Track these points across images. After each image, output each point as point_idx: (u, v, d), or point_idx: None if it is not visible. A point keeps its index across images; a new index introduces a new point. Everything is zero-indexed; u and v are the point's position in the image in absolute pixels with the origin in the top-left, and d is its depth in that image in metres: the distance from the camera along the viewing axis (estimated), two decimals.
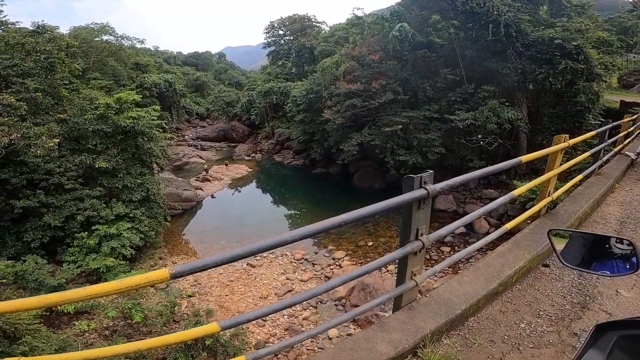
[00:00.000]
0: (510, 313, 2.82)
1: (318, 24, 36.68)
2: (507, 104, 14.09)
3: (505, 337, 2.56)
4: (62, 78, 14.58)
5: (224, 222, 16.73)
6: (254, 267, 12.31)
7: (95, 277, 10.52)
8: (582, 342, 0.87)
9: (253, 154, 29.11)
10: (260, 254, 12.63)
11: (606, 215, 4.98)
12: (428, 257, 11.25)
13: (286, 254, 13.02)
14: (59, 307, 6.95)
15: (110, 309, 7.43)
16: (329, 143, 18.91)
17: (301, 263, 12.54)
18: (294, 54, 35.60)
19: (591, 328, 0.89)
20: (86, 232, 11.07)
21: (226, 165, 24.46)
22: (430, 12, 16.30)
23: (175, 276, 1.30)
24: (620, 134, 8.01)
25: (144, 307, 7.94)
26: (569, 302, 2.99)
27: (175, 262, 12.75)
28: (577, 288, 3.18)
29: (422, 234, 2.21)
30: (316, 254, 13.03)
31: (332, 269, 12.09)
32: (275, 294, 10.77)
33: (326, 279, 11.47)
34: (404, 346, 2.18)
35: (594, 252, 0.98)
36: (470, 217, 2.78)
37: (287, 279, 11.68)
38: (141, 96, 14.69)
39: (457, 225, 2.63)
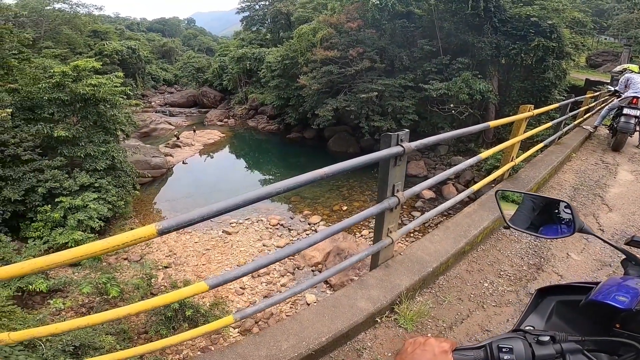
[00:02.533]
0: (475, 272, 3.01)
1: None
2: (479, 76, 14.37)
3: (472, 295, 2.73)
4: (11, 48, 13.60)
5: (197, 189, 16.43)
6: (230, 234, 12.24)
7: None
8: (526, 305, 0.88)
9: (225, 120, 28.22)
10: (236, 221, 12.74)
11: (562, 182, 5.42)
12: (400, 222, 11.77)
13: (262, 220, 13.06)
14: (31, 286, 6.68)
15: (85, 285, 7.18)
16: (305, 108, 18.68)
17: (277, 229, 12.64)
18: (269, 20, 33.88)
19: (534, 292, 0.91)
20: (49, 205, 10.44)
21: (194, 131, 23.56)
22: None
23: (162, 232, 1.29)
24: (581, 109, 8.69)
25: (119, 281, 7.73)
26: (526, 264, 3.22)
27: None
28: (533, 250, 3.44)
29: (398, 190, 2.28)
30: (292, 219, 13.18)
31: (308, 234, 12.34)
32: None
33: None
34: (382, 302, 2.28)
35: (542, 216, 0.99)
36: (441, 175, 2.92)
37: (264, 245, 11.72)
38: (101, 63, 13.59)
39: (430, 183, 2.76)
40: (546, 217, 0.99)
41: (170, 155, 19.54)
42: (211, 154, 21.58)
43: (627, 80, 6.97)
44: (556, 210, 0.97)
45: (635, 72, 7.24)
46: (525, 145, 7.13)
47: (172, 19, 65.71)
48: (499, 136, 14.70)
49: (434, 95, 14.31)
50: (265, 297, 9.35)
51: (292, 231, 12.46)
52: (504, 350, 0.61)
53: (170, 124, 26.97)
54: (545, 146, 6.26)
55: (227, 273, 1.72)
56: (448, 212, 9.55)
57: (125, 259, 10.63)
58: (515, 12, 14.01)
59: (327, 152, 19.28)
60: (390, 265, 2.62)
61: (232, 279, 1.74)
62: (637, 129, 6.92)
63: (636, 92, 6.78)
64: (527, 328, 0.77)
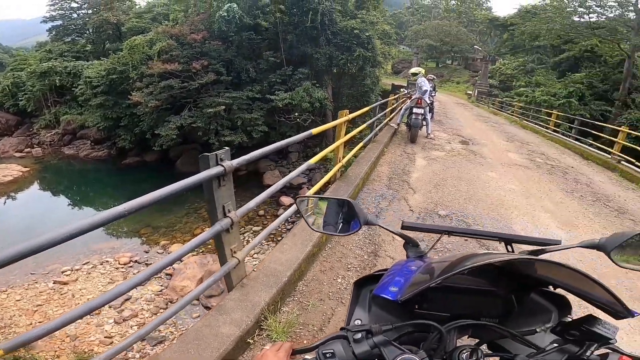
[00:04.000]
0: (328, 271, 3.14)
1: None
2: (317, 85, 15.92)
3: (330, 293, 2.83)
4: None
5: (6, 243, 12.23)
6: (65, 284, 9.59)
7: None
8: (349, 301, 0.91)
9: (28, 149, 22.17)
10: (70, 268, 10.27)
11: (380, 173, 6.27)
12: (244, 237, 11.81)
13: (107, 261, 10.75)
14: None
15: None
16: (142, 128, 16.49)
17: (131, 267, 10.62)
18: (90, 30, 28.66)
19: (352, 285, 0.93)
20: None
21: None
22: None
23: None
24: (387, 109, 10.58)
25: None
26: (366, 253, 3.48)
27: None
28: (368, 239, 3.73)
29: (229, 211, 2.22)
30: (147, 253, 11.29)
31: (172, 266, 10.88)
32: (110, 306, 8.91)
33: (167, 276, 10.25)
34: (247, 323, 2.18)
35: (340, 214, 1.01)
36: (272, 189, 2.87)
37: None
38: None
39: (263, 197, 2.72)
40: (341, 215, 1.00)
41: None
42: (12, 195, 16.53)
43: (417, 83, 8.93)
44: (346, 208, 0.98)
45: (422, 76, 9.14)
46: (353, 145, 7.59)
47: None
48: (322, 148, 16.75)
49: (280, 105, 15.05)
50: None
51: (150, 265, 10.74)
52: (327, 355, 0.64)
53: None
54: (365, 145, 7.05)
55: (24, 334, 1.33)
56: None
57: None
58: (343, 24, 16.07)
59: (176, 174, 17.54)
60: (246, 284, 2.53)
61: (35, 339, 1.36)
62: (423, 123, 9.04)
63: (420, 94, 8.63)
64: (356, 322, 0.81)
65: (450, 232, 1.01)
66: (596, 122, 13.85)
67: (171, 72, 14.51)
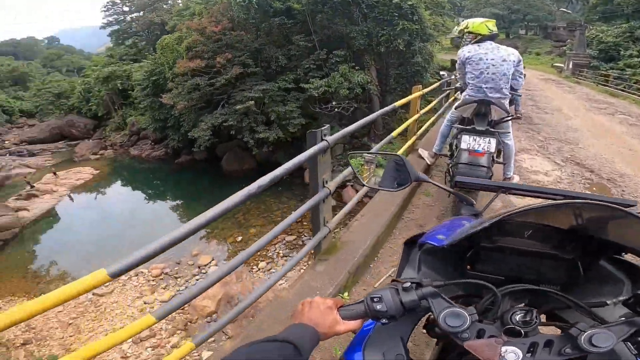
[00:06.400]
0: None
1: None
2: (357, 68, 13.92)
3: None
4: None
5: (66, 245, 13.22)
6: (101, 296, 9.96)
7: None
8: (399, 259, 0.90)
9: (102, 151, 24.10)
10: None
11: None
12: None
13: (142, 272, 10.86)
14: None
15: None
16: (185, 129, 16.36)
17: (161, 279, 10.55)
18: (143, 32, 30.07)
19: (402, 245, 0.92)
20: None
21: (54, 173, 19.39)
22: None
23: (115, 275, 1.25)
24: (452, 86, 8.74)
25: None
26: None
27: (0, 307, 9.83)
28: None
29: (326, 182, 2.42)
30: (178, 264, 11.13)
31: (197, 280, 10.49)
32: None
33: None
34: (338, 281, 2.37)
35: (391, 170, 1.04)
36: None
37: (145, 303, 9.67)
38: None
39: (350, 170, 2.85)
40: (395, 171, 1.03)
41: (25, 209, 15.54)
42: (85, 196, 17.99)
43: (466, 58, 3.18)
44: (399, 166, 1.02)
45: (483, 33, 3.15)
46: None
47: (26, 39, 56.00)
48: (387, 127, 14.59)
49: (316, 94, 13.46)
50: None
51: (178, 279, 10.48)
52: (375, 300, 0.65)
53: (29, 166, 21.98)
54: (432, 123, 6.96)
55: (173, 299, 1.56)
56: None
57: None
58: None
59: (223, 172, 17.39)
60: (330, 255, 2.66)
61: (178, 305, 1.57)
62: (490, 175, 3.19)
63: (479, 89, 3.12)
64: (403, 279, 0.77)
65: (507, 189, 0.99)
66: None
67: (195, 70, 13.78)
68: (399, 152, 3.88)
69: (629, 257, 0.67)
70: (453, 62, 20.11)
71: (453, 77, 6.49)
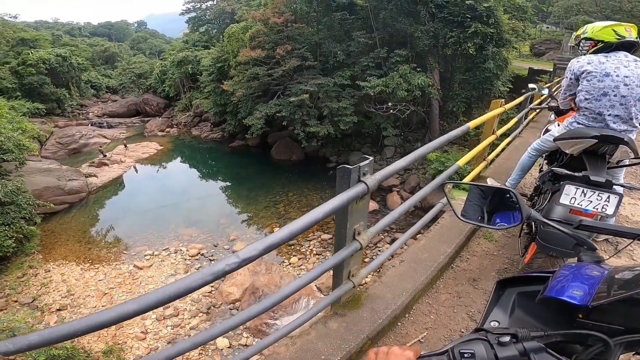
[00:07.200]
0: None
1: None
2: (418, 69, 13.19)
3: None
4: None
5: (124, 212, 14.46)
6: (141, 269, 10.59)
7: None
8: (487, 300, 0.85)
9: (168, 129, 26.06)
10: (151, 253, 11.29)
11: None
12: None
13: (180, 249, 11.42)
14: None
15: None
16: (241, 115, 16.95)
17: (197, 259, 10.99)
18: (216, 20, 31.86)
19: (494, 284, 0.87)
20: None
21: (125, 145, 21.30)
22: None
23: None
24: (534, 102, 7.67)
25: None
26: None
27: (50, 270, 10.66)
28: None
29: (359, 233, 1.96)
30: (215, 247, 11.52)
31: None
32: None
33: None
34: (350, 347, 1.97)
35: (493, 205, 0.97)
36: (403, 208, 2.35)
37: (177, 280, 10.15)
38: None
39: (393, 217, 2.29)
40: (495, 206, 0.98)
41: (94, 176, 17.31)
42: (146, 169, 19.53)
43: (583, 71, 2.27)
44: (503, 199, 0.96)
45: (607, 40, 2.27)
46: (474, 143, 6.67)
47: (119, 23, 62.40)
48: (445, 134, 13.66)
49: (371, 94, 13.02)
50: (169, 343, 7.90)
51: (212, 262, 10.86)
52: (465, 355, 0.59)
53: (105, 137, 24.52)
54: (508, 143, 5.75)
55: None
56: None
57: (15, 301, 9.26)
58: None
59: (271, 161, 17.81)
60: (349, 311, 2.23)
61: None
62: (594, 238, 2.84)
63: (598, 117, 2.25)
64: (492, 324, 0.78)
65: None
66: None
67: (256, 59, 14.07)
68: (467, 180, 3.49)
69: None
70: (532, 71, 18.13)
71: (545, 91, 4.16)
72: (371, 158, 1.77)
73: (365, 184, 1.70)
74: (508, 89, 14.14)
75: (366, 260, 9.36)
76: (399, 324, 2.28)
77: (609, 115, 2.18)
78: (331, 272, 2.11)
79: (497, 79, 13.54)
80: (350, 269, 2.11)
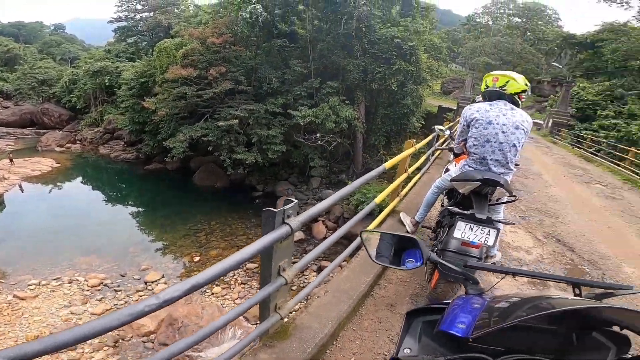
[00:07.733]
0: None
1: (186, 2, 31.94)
2: (347, 102, 13.95)
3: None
4: None
5: (1, 237, 11.91)
6: (23, 299, 8.88)
7: None
8: (400, 329, 0.94)
9: (69, 144, 23.01)
10: (38, 282, 9.53)
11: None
12: None
13: (77, 279, 9.81)
14: None
15: None
16: (162, 136, 15.75)
17: (98, 290, 9.48)
18: (148, 33, 30.05)
19: (404, 315, 0.97)
20: None
21: (10, 160, 18.09)
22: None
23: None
24: (441, 140, 8.19)
25: None
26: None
27: None
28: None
29: (284, 270, 2.04)
30: (123, 276, 10.09)
31: (141, 297, 9.47)
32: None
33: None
34: None
35: (402, 244, 1.13)
36: (331, 240, 2.45)
37: (72, 313, 8.56)
38: None
39: (320, 250, 2.37)
40: (402, 250, 1.13)
41: None
42: (38, 187, 16.69)
43: (472, 119, 2.59)
44: (408, 245, 1.12)
45: (482, 90, 2.74)
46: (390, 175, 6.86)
47: (32, 23, 55.10)
48: (367, 166, 14.50)
49: (301, 123, 13.33)
50: None
51: (119, 292, 9.45)
52: None
53: None
54: (419, 179, 6.36)
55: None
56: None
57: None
58: (382, 32, 13.96)
59: (193, 187, 16.63)
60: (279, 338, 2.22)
61: None
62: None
63: (482, 161, 2.57)
64: (405, 351, 0.85)
65: (515, 274, 1.14)
66: None
67: (186, 78, 13.49)
68: (384, 215, 4.07)
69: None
70: (441, 109, 19.63)
71: (447, 132, 5.16)
72: (296, 201, 1.83)
73: (290, 226, 1.79)
74: (421, 125, 15.72)
75: (294, 288, 9.09)
76: (328, 351, 2.34)
77: (491, 159, 2.49)
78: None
79: (413, 115, 15.00)
80: (277, 302, 2.16)
